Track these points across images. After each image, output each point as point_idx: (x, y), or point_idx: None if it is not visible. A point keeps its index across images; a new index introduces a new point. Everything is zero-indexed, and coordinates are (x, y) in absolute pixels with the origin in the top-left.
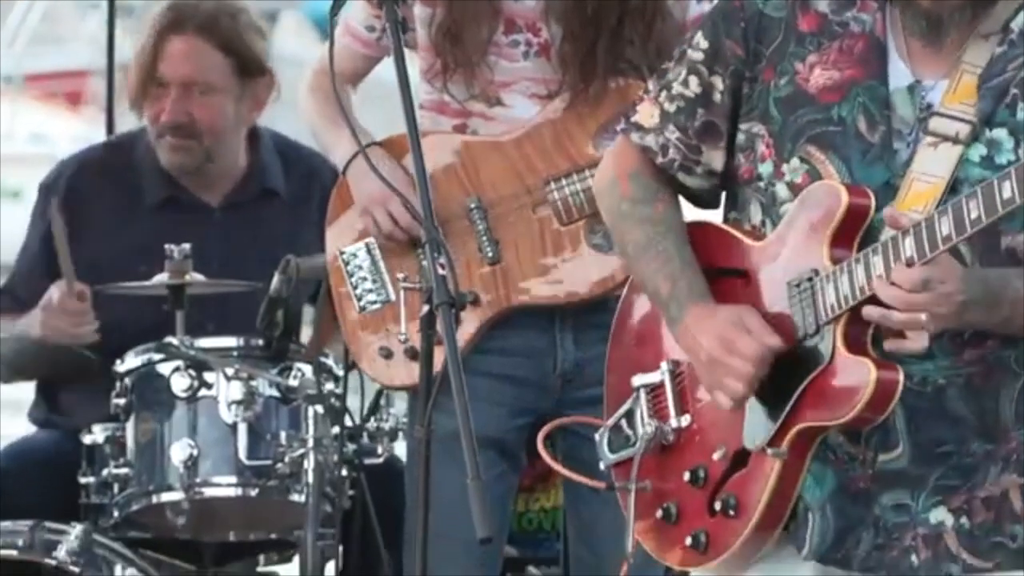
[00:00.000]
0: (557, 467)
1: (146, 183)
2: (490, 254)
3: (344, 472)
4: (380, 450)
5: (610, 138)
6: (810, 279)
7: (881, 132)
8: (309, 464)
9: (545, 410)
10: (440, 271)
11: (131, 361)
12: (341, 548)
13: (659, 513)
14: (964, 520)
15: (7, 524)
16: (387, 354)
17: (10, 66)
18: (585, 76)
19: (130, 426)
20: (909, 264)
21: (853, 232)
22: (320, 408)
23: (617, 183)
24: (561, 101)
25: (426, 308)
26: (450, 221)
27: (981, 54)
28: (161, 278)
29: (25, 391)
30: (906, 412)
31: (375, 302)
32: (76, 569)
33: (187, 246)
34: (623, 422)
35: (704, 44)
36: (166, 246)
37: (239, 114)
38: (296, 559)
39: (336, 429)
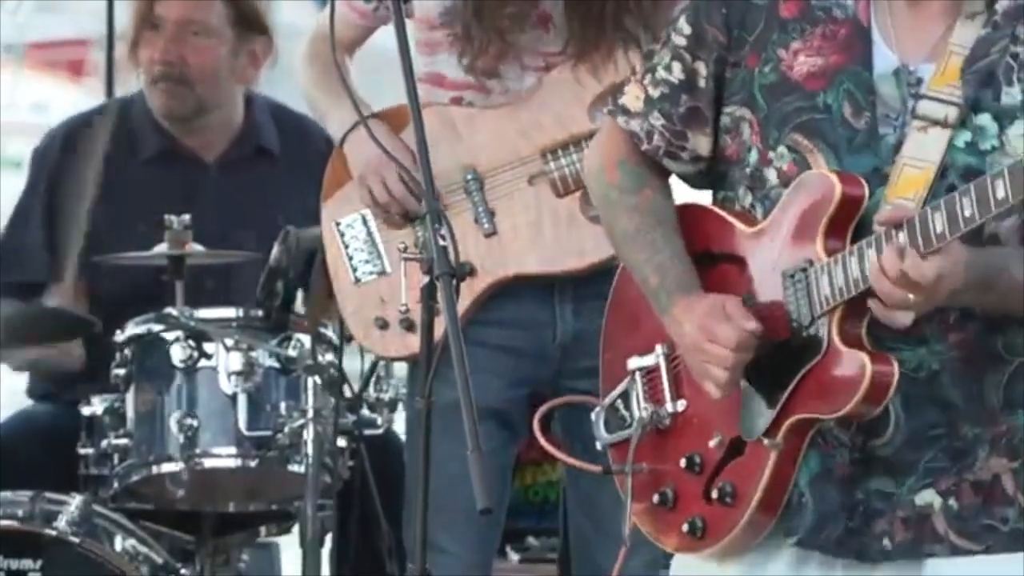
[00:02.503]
0: (554, 451)
1: (141, 137)
2: (486, 225)
3: (343, 443)
4: (380, 421)
5: None
6: (804, 270)
7: (867, 119)
8: (309, 435)
9: (544, 381)
10: (440, 241)
11: (131, 331)
12: (340, 519)
13: (656, 497)
14: (952, 502)
15: (7, 494)
16: (382, 324)
17: (11, 35)
18: (587, 45)
19: (130, 397)
20: (923, 256)
21: (847, 222)
22: (319, 379)
23: (604, 171)
24: (558, 72)
25: (427, 279)
26: (446, 193)
27: (967, 35)
28: (161, 248)
29: None
30: (902, 399)
31: (370, 273)
32: (76, 539)
33: (187, 217)
34: (619, 403)
35: (687, 29)
36: (166, 217)
37: (233, 66)
38: (295, 530)
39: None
